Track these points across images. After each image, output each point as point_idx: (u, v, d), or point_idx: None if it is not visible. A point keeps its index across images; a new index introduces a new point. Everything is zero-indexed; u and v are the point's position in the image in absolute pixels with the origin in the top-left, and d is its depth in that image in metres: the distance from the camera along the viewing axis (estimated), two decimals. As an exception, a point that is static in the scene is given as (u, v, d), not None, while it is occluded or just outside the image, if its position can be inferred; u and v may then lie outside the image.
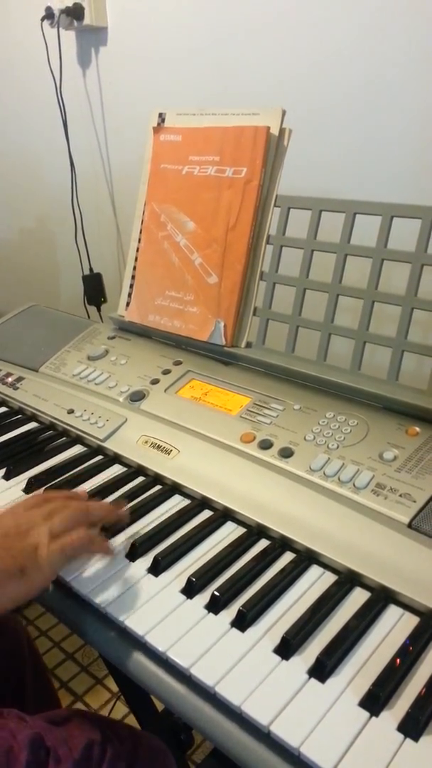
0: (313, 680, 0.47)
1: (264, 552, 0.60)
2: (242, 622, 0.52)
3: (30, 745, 0.55)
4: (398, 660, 0.47)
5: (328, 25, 1.04)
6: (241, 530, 0.63)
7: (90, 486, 0.71)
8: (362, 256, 0.77)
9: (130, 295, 0.97)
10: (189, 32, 1.25)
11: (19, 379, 0.93)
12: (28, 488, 0.72)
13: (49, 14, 1.40)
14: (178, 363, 0.88)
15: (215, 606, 0.54)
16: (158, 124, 0.94)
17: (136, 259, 0.96)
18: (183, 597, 0.55)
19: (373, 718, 0.44)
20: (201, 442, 0.73)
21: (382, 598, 0.54)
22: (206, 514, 0.66)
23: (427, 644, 0.49)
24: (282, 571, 0.57)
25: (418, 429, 0.68)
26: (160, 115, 0.94)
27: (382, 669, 0.47)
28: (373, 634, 0.51)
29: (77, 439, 0.81)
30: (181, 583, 0.57)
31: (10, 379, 0.94)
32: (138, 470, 0.74)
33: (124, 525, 0.65)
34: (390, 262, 0.75)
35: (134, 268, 0.96)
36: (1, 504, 0.69)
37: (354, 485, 0.63)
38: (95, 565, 0.59)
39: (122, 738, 0.63)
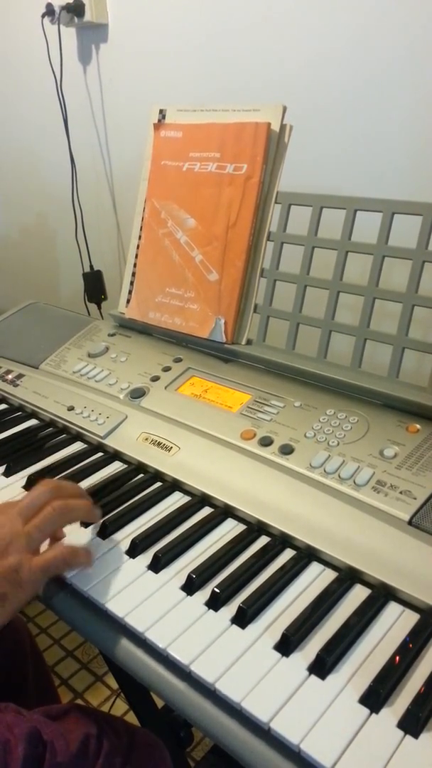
0: (313, 677, 0.47)
1: (264, 549, 0.60)
2: (242, 619, 0.52)
3: (27, 738, 0.55)
4: (398, 657, 0.47)
5: (329, 21, 1.04)
6: (241, 527, 0.63)
7: (90, 483, 0.71)
8: (363, 252, 0.76)
9: (130, 292, 0.97)
10: (189, 28, 1.25)
11: (20, 376, 0.93)
12: (28, 485, 0.72)
13: (49, 11, 1.40)
14: (178, 360, 0.88)
15: (215, 603, 0.54)
16: (159, 121, 0.94)
17: (136, 256, 0.96)
18: (183, 594, 0.55)
19: (373, 714, 0.44)
20: (201, 439, 0.73)
21: (382, 595, 0.54)
22: (206, 511, 0.66)
23: (427, 641, 0.49)
24: (282, 568, 0.57)
25: (418, 426, 0.68)
26: (161, 111, 0.94)
27: (382, 666, 0.47)
28: (373, 631, 0.51)
29: (77, 436, 0.81)
30: (182, 579, 0.56)
31: (10, 377, 0.94)
32: (138, 467, 0.74)
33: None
34: (391, 258, 0.74)
35: (135, 265, 0.96)
36: (1, 501, 0.69)
37: (354, 482, 0.63)
38: (95, 562, 0.59)
39: (119, 732, 0.63)
